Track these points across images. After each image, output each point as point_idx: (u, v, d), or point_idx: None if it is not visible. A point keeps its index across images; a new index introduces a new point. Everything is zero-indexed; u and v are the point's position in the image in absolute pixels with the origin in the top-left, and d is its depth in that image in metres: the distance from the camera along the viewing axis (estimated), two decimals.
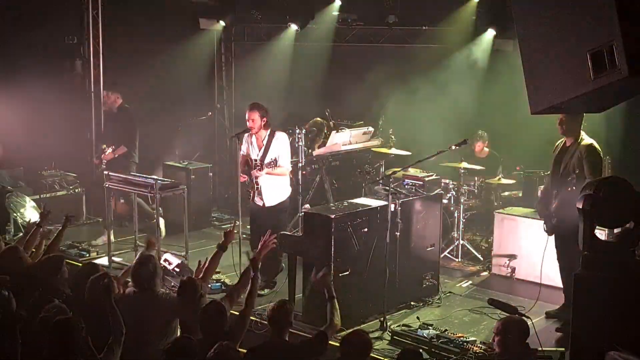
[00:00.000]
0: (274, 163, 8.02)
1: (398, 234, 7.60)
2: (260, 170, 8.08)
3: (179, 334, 6.01)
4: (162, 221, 9.86)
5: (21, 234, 9.97)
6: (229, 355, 5.02)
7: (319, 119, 10.59)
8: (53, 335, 5.11)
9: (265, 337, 6.44)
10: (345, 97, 11.63)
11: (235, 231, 7.13)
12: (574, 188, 6.96)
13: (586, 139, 7.26)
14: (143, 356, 5.78)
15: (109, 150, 10.17)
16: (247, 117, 8.19)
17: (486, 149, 10.21)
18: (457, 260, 9.45)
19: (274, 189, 8.24)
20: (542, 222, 7.56)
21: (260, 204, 8.25)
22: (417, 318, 7.47)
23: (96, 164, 10.33)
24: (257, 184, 8.17)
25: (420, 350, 6.23)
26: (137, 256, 6.58)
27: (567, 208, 6.66)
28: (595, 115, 7.01)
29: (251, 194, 8.27)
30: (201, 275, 6.51)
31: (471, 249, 9.50)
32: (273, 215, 8.24)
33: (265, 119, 8.15)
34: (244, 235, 8.73)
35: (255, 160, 8.18)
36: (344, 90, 11.62)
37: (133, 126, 10.37)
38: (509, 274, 8.86)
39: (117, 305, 5.98)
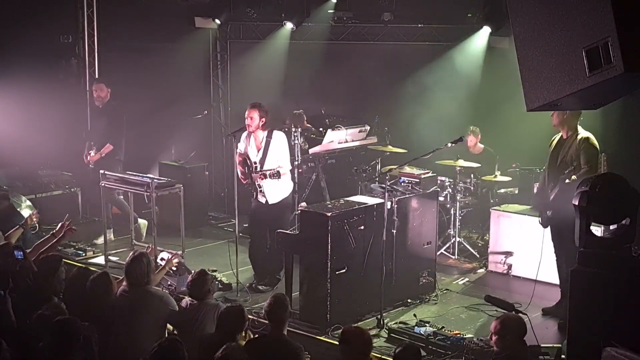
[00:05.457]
0: (277, 175, 7.91)
1: (394, 231, 7.61)
2: (262, 178, 7.99)
3: (166, 334, 6.02)
4: (144, 223, 9.82)
5: None
6: (236, 356, 5.03)
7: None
8: (52, 335, 5.04)
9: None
10: (341, 95, 11.61)
11: None
12: (573, 178, 6.98)
13: (583, 132, 7.32)
14: (133, 354, 5.73)
15: (92, 152, 9.82)
16: (246, 114, 8.15)
17: (480, 145, 10.19)
18: (453, 257, 9.46)
19: (277, 187, 8.17)
20: (538, 216, 7.58)
21: (263, 201, 8.22)
22: (414, 315, 7.49)
23: (84, 163, 10.13)
24: (260, 186, 8.13)
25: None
26: (131, 253, 6.58)
27: (564, 200, 6.67)
28: (591, 112, 7.02)
29: (254, 194, 8.23)
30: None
31: (467, 246, 9.50)
32: (275, 212, 8.22)
33: (264, 119, 8.11)
34: (241, 234, 8.71)
35: (255, 162, 8.13)
36: (339, 88, 11.60)
37: (121, 123, 9.91)
38: (505, 271, 8.88)
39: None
